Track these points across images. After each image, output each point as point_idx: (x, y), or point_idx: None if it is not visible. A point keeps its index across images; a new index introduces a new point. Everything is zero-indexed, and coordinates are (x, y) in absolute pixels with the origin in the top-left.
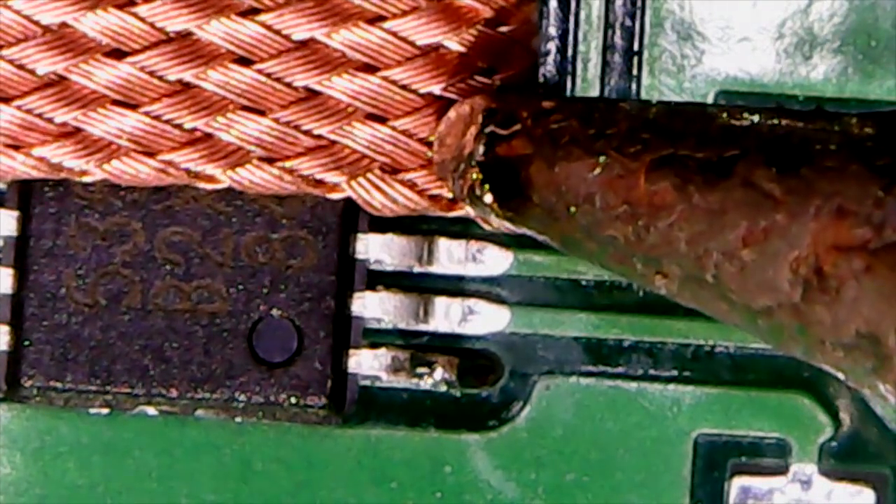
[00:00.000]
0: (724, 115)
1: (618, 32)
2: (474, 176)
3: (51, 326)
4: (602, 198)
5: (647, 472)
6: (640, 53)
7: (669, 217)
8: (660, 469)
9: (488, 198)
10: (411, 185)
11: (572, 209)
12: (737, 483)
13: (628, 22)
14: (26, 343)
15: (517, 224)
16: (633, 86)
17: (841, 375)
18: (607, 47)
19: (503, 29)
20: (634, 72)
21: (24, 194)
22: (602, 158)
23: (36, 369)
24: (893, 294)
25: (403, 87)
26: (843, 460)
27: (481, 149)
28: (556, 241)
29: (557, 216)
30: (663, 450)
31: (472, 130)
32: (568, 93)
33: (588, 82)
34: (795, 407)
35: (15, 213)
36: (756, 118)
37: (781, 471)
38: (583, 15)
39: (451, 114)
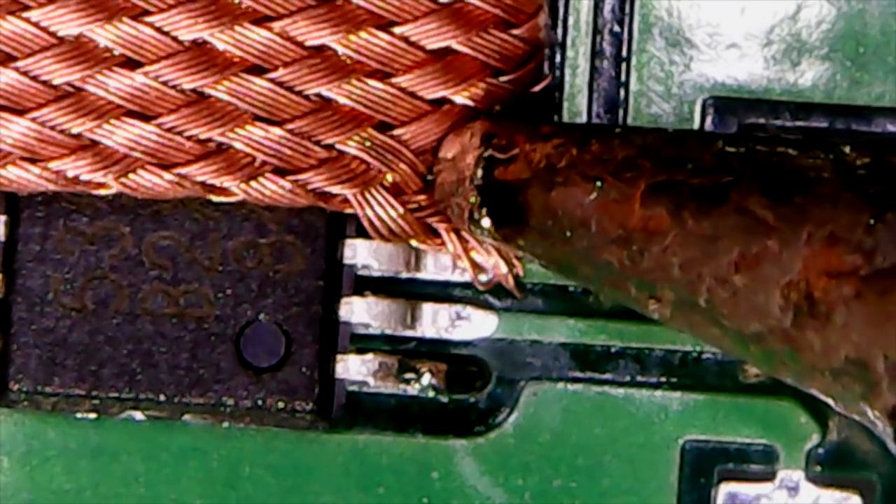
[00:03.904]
0: (720, 142)
1: (606, 38)
2: (472, 199)
3: (38, 331)
4: (598, 222)
5: (634, 478)
6: (628, 59)
7: (663, 242)
8: (647, 475)
9: (486, 221)
10: (414, 209)
11: (568, 233)
12: (724, 489)
13: (616, 28)
14: (14, 347)
15: (513, 247)
16: (622, 92)
17: (831, 402)
18: (596, 53)
19: (514, 32)
20: (623, 78)
21: (11, 199)
22: (598, 184)
23: (23, 374)
24: (882, 320)
25: (412, 94)
26: (830, 466)
27: (480, 172)
28: (553, 265)
29: (554, 240)
30: (650, 456)
31: (472, 154)
32: (556, 99)
33: (576, 88)
34: (782, 413)
35: (3, 218)
36: (751, 145)
37: (768, 477)
38: (571, 21)
39: (452, 137)
